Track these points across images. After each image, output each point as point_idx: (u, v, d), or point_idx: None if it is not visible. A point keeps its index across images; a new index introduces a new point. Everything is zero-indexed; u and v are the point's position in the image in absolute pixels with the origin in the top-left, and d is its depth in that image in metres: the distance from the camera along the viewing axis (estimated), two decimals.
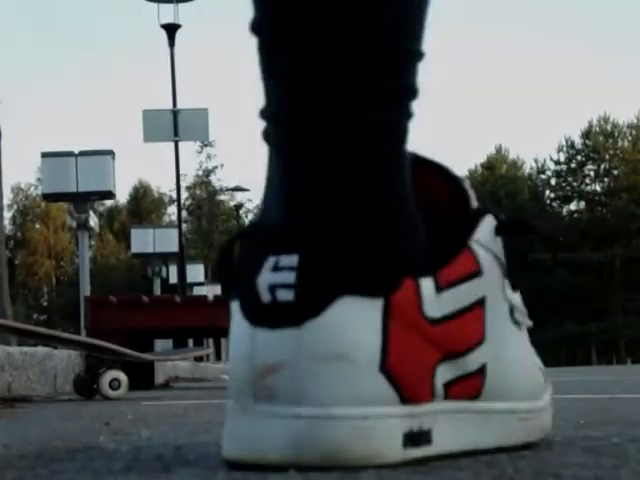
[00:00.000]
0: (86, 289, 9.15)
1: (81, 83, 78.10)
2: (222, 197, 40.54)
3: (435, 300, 0.74)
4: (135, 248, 17.20)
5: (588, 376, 6.86)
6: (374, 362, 0.70)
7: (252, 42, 0.78)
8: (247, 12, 0.78)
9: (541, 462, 0.74)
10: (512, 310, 0.83)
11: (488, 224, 0.80)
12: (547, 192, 54.28)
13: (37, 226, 54.53)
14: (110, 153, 9.41)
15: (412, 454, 0.72)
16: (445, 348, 0.75)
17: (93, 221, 9.80)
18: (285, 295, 0.71)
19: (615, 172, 52.39)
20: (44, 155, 9.54)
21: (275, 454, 0.70)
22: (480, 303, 0.79)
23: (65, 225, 49.26)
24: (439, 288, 0.75)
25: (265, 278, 0.71)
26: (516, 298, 0.84)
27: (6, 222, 47.01)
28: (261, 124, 0.77)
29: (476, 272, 0.78)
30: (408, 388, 0.72)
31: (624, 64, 75.70)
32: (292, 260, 0.70)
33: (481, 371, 0.79)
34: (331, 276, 0.70)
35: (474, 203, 0.81)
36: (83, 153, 9.35)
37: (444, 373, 0.75)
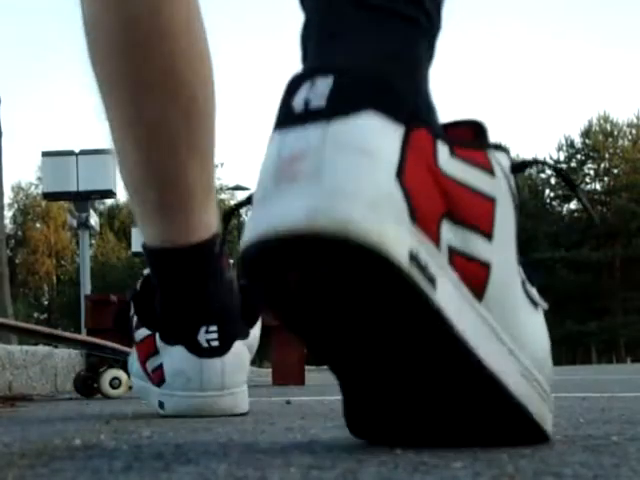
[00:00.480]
0: (87, 288, 9.16)
1: (82, 82, 77.93)
2: (222, 196, 40.54)
3: (448, 160, 0.77)
4: (136, 247, 17.20)
5: (588, 375, 6.86)
6: (392, 167, 0.73)
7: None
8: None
9: (541, 461, 0.75)
10: (524, 283, 0.85)
11: (505, 156, 0.83)
12: (547, 191, 54.33)
13: (38, 225, 54.56)
14: (111, 152, 9.41)
15: (417, 276, 0.73)
16: (453, 204, 0.77)
17: (94, 220, 9.81)
18: (318, 102, 0.74)
19: (615, 171, 52.42)
20: (45, 154, 9.55)
21: (289, 223, 0.71)
22: (492, 199, 0.81)
23: (66, 224, 49.32)
24: (453, 154, 0.78)
25: (301, 95, 0.75)
26: (531, 289, 0.87)
27: (6, 221, 47.05)
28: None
29: (490, 171, 0.81)
30: (418, 209, 0.74)
31: (624, 63, 75.74)
32: (327, 80, 0.75)
33: (485, 266, 0.80)
34: (363, 91, 0.76)
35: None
36: (84, 152, 9.37)
37: (448, 232, 0.77)
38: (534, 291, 0.88)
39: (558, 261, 48.71)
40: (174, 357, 1.55)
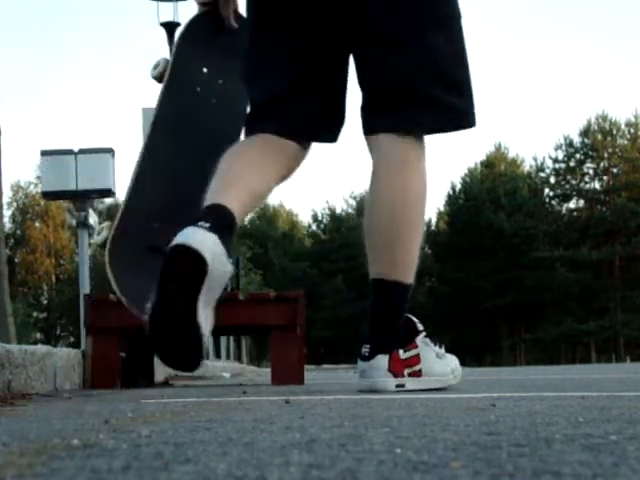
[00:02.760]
0: (86, 287, 9.15)
1: (81, 81, 78.02)
2: None
3: None
4: None
5: (587, 374, 6.85)
6: None
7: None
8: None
9: (540, 460, 0.74)
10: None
11: None
12: (546, 190, 54.29)
13: (37, 224, 54.52)
14: (110, 151, 9.40)
15: None
16: None
17: (93, 219, 9.81)
18: None
19: (614, 170, 52.41)
20: (43, 153, 9.53)
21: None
22: None
23: (65, 223, 49.29)
24: None
25: None
26: None
27: (6, 220, 47.00)
28: None
29: None
30: None
31: (623, 62, 75.73)
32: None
33: None
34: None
35: None
36: (83, 151, 9.35)
37: None
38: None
39: (557, 260, 48.64)
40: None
